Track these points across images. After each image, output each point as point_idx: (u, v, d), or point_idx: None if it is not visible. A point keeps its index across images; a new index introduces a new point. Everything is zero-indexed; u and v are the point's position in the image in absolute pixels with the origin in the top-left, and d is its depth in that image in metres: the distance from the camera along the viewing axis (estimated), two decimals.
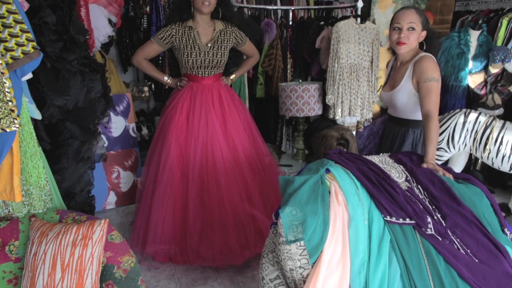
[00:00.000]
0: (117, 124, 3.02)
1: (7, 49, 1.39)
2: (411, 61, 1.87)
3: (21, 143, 1.54)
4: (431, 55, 1.84)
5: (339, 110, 3.08)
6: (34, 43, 1.45)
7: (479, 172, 3.35)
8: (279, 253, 1.25)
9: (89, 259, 1.46)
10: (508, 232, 1.41)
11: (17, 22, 1.39)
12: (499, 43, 3.07)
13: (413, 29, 1.82)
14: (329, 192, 1.31)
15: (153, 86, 3.99)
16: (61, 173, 1.91)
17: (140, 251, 2.20)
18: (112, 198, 3.05)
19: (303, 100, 3.21)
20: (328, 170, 1.38)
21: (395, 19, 1.87)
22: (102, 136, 2.86)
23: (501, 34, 3.05)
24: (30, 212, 1.64)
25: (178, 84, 2.37)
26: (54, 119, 1.83)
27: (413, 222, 1.31)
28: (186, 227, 2.18)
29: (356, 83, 3.06)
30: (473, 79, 3.13)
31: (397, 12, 1.89)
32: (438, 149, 2.93)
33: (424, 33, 1.87)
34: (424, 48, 1.90)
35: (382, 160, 1.55)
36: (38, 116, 1.68)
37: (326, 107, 3.25)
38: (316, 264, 1.21)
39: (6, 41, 1.39)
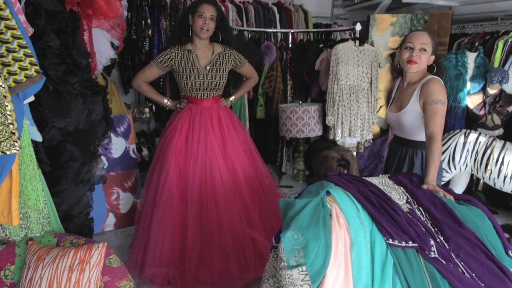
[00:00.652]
0: (118, 145, 3.02)
1: (10, 73, 1.41)
2: (419, 82, 1.90)
3: (20, 166, 1.54)
4: (439, 78, 1.88)
5: (339, 131, 3.09)
6: (37, 67, 1.47)
7: (481, 193, 3.33)
8: (280, 279, 1.22)
9: (86, 284, 1.43)
10: None
11: (21, 46, 1.42)
12: (496, 64, 3.11)
13: (424, 50, 1.87)
14: (330, 215, 1.29)
15: (154, 107, 4.02)
16: (60, 195, 1.90)
17: (139, 275, 2.16)
18: (111, 219, 3.01)
19: (303, 121, 3.22)
20: (328, 193, 1.37)
21: (407, 38, 1.93)
22: (102, 157, 2.87)
23: (498, 56, 3.09)
24: (27, 235, 1.62)
25: (178, 106, 2.40)
26: (54, 141, 1.84)
27: (416, 245, 1.29)
28: (184, 249, 2.15)
29: (356, 104, 3.08)
30: (472, 100, 3.15)
31: (411, 32, 1.96)
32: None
33: (433, 58, 1.92)
34: (434, 71, 1.94)
35: (382, 182, 1.54)
36: (39, 138, 1.69)
37: (326, 128, 3.26)
38: None
39: (10, 65, 1.41)
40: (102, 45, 2.30)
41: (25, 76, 1.41)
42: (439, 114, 1.78)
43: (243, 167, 2.35)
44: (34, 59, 1.45)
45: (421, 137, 1.96)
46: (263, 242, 2.17)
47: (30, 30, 1.55)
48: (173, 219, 2.18)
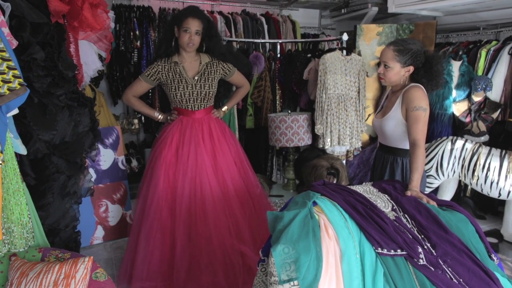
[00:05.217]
0: (106, 157, 2.99)
1: None
2: (402, 90, 1.93)
3: (3, 180, 1.51)
4: (420, 85, 1.89)
5: (328, 140, 3.11)
6: (21, 80, 1.45)
7: (469, 199, 3.36)
8: None
9: None
10: (495, 258, 1.40)
11: (4, 59, 1.40)
12: (479, 72, 3.18)
13: (387, 67, 1.89)
14: (319, 226, 1.29)
15: (143, 118, 4.01)
16: (46, 208, 1.86)
17: (127, 287, 2.12)
18: (99, 232, 2.96)
19: (292, 130, 3.24)
20: (315, 203, 1.37)
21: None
22: (90, 169, 2.83)
23: (481, 64, 3.16)
24: (11, 251, 1.58)
25: (169, 118, 2.39)
26: (40, 154, 1.81)
27: (404, 253, 1.29)
28: (173, 263, 2.12)
29: (344, 113, 3.11)
30: (458, 107, 3.20)
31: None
32: (427, 176, 2.94)
33: (409, 68, 1.89)
34: (423, 79, 1.90)
35: (366, 190, 1.54)
36: (23, 151, 1.66)
37: (315, 137, 3.28)
38: None
39: None
40: (89, 57, 2.29)
41: (8, 89, 1.39)
42: (421, 120, 1.79)
43: (234, 180, 2.33)
44: (17, 72, 1.44)
45: (402, 145, 1.98)
46: (252, 256, 2.15)
47: (14, 43, 1.53)
48: (162, 232, 2.15)
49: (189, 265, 2.11)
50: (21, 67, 1.57)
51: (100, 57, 2.47)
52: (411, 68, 1.90)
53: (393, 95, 2.01)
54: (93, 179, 2.70)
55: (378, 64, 2.01)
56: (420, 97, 1.82)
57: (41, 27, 1.71)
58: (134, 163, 3.92)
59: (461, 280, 1.26)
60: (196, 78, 2.28)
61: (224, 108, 2.53)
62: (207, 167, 2.25)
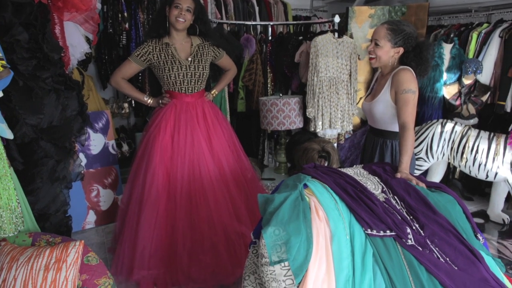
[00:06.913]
0: (96, 142, 2.96)
1: None
2: (391, 73, 1.92)
3: None
4: (409, 68, 1.88)
5: (320, 123, 3.11)
6: (4, 62, 1.41)
7: (458, 180, 3.42)
8: (262, 275, 1.22)
9: (63, 283, 1.40)
10: (480, 237, 1.44)
11: None
12: (470, 55, 3.18)
13: (377, 45, 1.88)
14: (310, 208, 1.30)
15: (133, 102, 3.95)
16: (35, 193, 1.84)
17: (125, 278, 2.10)
18: (91, 217, 2.96)
19: (284, 113, 3.23)
20: (305, 185, 1.37)
21: None
22: (81, 154, 2.80)
23: (472, 47, 3.16)
24: (0, 236, 1.57)
25: (160, 102, 2.33)
26: (27, 138, 1.78)
27: (393, 233, 1.31)
28: (175, 249, 2.10)
29: (336, 96, 3.10)
30: (448, 90, 3.22)
31: None
32: (417, 159, 2.98)
33: (399, 50, 1.88)
34: (412, 63, 1.89)
35: (357, 172, 1.55)
36: (9, 135, 1.63)
37: (307, 120, 3.28)
38: (301, 284, 1.18)
39: None
40: (76, 39, 2.23)
41: None
42: (410, 103, 1.79)
43: (229, 162, 2.33)
44: (0, 54, 1.39)
45: (391, 127, 1.98)
46: (251, 236, 2.17)
47: None
48: (162, 219, 2.13)
49: (191, 249, 2.11)
50: (3, 49, 1.52)
51: (87, 39, 2.41)
52: (401, 50, 1.88)
53: (382, 78, 2.01)
54: (83, 164, 2.68)
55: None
56: (409, 80, 1.82)
57: (24, 7, 1.65)
58: (125, 147, 3.89)
59: (447, 259, 1.29)
60: (189, 59, 2.25)
61: (213, 91, 2.51)
62: (204, 151, 2.23)
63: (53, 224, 1.95)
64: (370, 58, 1.94)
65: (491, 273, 1.30)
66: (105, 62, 3.73)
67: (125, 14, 3.49)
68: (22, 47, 1.63)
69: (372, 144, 2.09)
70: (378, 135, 2.06)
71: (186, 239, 2.12)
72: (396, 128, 1.91)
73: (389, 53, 1.89)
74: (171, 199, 2.17)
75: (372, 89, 2.13)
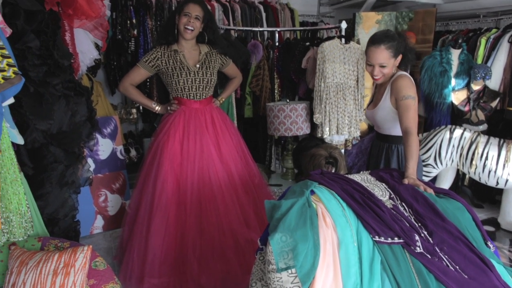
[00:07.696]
0: (105, 147, 2.98)
1: None
2: (390, 81, 1.94)
3: (1, 169, 1.51)
4: (407, 74, 1.91)
5: (327, 129, 3.10)
6: (16, 68, 1.44)
7: (467, 188, 3.38)
8: (269, 282, 1.20)
9: None
10: (491, 245, 1.41)
11: None
12: (479, 61, 3.15)
13: (383, 66, 1.89)
14: (317, 214, 1.29)
15: (141, 108, 3.99)
16: (44, 198, 1.86)
17: (135, 286, 2.06)
18: (99, 222, 2.98)
19: (291, 119, 3.23)
20: (312, 192, 1.37)
21: (367, 55, 1.92)
22: (89, 159, 2.83)
23: (481, 53, 3.14)
24: (10, 240, 1.59)
25: (169, 108, 2.33)
26: (37, 144, 1.81)
27: (401, 241, 1.29)
28: (185, 256, 2.09)
29: (343, 102, 3.09)
30: (457, 96, 3.19)
31: (368, 47, 1.91)
32: (425, 165, 2.95)
33: (399, 57, 1.92)
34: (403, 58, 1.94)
35: (364, 179, 1.54)
36: (20, 141, 1.66)
37: (314, 126, 3.27)
38: None
39: None
40: (85, 45, 2.26)
41: (2, 78, 1.37)
42: (411, 108, 1.81)
43: (238, 168, 2.32)
44: (12, 60, 1.42)
45: (395, 131, 1.99)
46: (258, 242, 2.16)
47: (8, 31, 1.51)
48: (172, 226, 2.12)
49: (201, 256, 2.09)
50: (15, 56, 1.55)
51: (96, 45, 2.44)
52: (400, 57, 1.92)
53: (381, 86, 2.03)
54: (91, 169, 2.71)
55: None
56: (407, 86, 1.85)
57: (35, 15, 1.69)
58: (133, 153, 3.92)
59: (457, 267, 1.26)
60: (197, 66, 2.27)
61: (220, 98, 2.53)
62: (214, 157, 2.23)
63: (61, 228, 1.97)
64: (375, 79, 1.94)
65: (503, 281, 1.28)
66: (113, 68, 3.77)
67: (134, 20, 3.54)
68: (33, 54, 1.66)
69: (378, 150, 2.10)
70: (383, 140, 2.07)
71: (196, 246, 2.11)
72: (400, 133, 1.91)
73: (394, 65, 1.93)
74: (181, 206, 2.16)
75: (373, 97, 2.14)
